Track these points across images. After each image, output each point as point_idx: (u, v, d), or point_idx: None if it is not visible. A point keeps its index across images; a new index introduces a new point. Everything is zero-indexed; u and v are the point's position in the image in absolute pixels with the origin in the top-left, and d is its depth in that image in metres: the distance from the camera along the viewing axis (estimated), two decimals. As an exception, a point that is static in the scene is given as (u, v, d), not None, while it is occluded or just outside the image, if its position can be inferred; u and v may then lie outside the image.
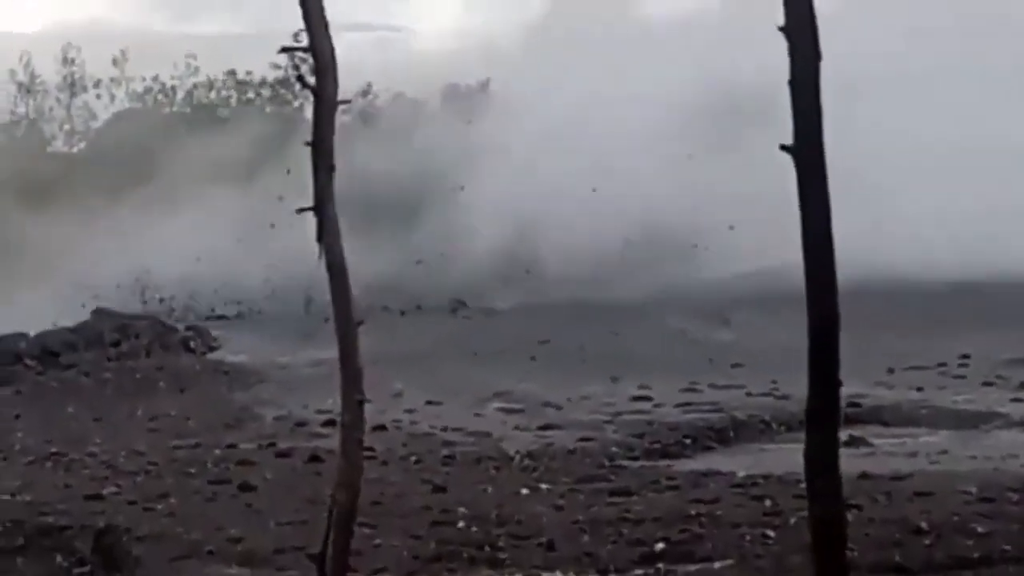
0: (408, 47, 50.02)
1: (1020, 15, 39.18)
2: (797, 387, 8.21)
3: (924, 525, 12.42)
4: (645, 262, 35.48)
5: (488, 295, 36.16)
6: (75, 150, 53.87)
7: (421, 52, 48.33)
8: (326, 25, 8.99)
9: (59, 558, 12.20)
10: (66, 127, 55.68)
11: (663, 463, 18.30)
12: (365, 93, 46.00)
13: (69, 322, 28.87)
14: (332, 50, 8.99)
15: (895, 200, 36.34)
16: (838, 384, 8.33)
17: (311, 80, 9.03)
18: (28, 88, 55.34)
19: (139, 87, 55.34)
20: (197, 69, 55.13)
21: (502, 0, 52.63)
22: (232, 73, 53.61)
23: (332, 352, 9.06)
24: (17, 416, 22.49)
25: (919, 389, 23.16)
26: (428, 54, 48.53)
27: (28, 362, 26.56)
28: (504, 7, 53.83)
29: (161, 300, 33.04)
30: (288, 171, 30.55)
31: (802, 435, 8.38)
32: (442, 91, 46.78)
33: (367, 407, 8.86)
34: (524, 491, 15.56)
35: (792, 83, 8.24)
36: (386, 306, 33.86)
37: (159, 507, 15.02)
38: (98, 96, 55.27)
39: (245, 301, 37.01)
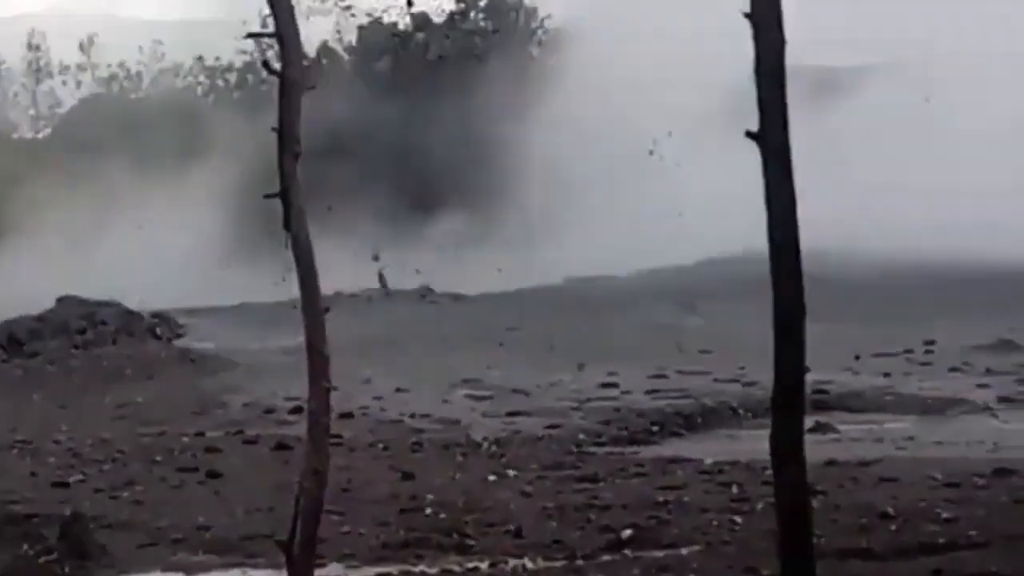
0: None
1: None
2: (765, 373, 8.20)
3: (890, 510, 12.45)
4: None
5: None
6: (40, 136, 53.65)
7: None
8: (292, 10, 8.92)
9: (26, 546, 12.12)
10: (31, 113, 55.41)
11: (630, 450, 18.32)
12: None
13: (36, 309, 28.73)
14: (298, 35, 8.92)
15: (866, 188, 36.59)
16: (804, 370, 8.32)
17: (277, 66, 8.96)
18: (-8, 74, 55.04)
19: (105, 73, 55.13)
20: (163, 55, 54.97)
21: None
22: (200, 59, 53.45)
23: (300, 339, 9.01)
24: (-18, 404, 22.36)
25: (886, 375, 23.26)
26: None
27: (-7, 350, 26.41)
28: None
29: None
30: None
31: (769, 421, 8.37)
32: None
33: (335, 394, 8.81)
34: (492, 478, 15.56)
35: (757, 70, 8.18)
36: (353, 293, 33.85)
37: (126, 495, 14.97)
38: (64, 83, 55.02)
39: (215, 285, 36.91)
